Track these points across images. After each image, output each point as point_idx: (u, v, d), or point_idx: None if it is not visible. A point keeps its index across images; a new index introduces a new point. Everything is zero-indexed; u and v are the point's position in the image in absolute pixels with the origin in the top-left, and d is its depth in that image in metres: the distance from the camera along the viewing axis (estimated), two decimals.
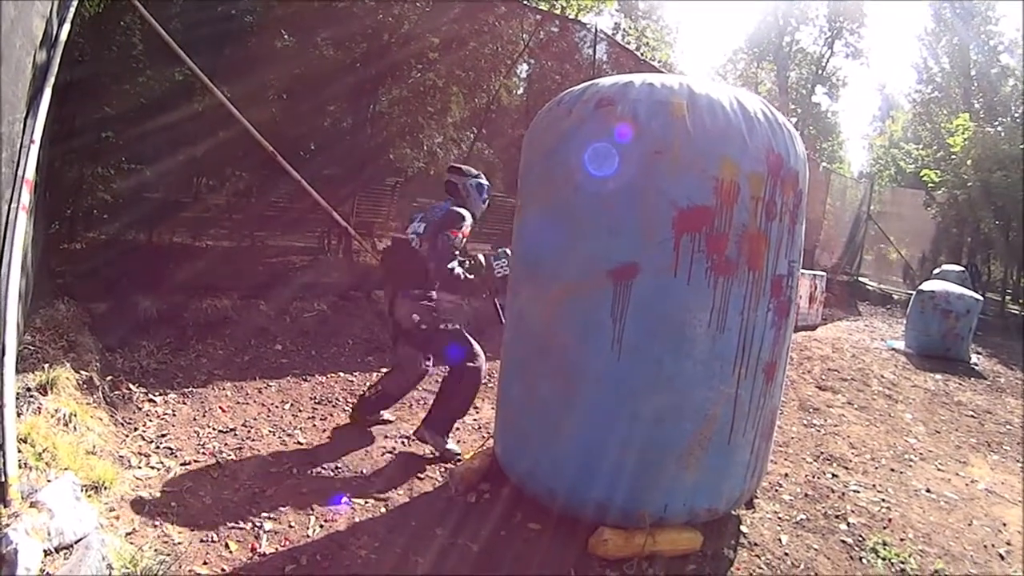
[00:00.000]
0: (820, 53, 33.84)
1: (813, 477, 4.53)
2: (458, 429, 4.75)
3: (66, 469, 2.87)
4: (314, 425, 4.58)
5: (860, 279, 19.18)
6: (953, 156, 18.46)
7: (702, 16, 62.07)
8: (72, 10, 3.46)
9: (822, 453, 5.06)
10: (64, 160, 5.36)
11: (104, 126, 5.75)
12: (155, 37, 4.96)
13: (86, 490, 2.88)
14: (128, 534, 2.88)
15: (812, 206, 15.15)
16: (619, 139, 3.00)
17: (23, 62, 2.63)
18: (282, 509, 3.40)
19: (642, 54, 17.73)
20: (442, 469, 4.08)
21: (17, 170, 2.84)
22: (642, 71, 3.97)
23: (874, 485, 4.54)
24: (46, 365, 3.63)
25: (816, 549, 3.53)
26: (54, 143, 4.64)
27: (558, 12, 11.42)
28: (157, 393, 4.64)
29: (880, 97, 44.80)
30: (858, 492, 4.37)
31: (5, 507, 2.36)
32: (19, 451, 2.72)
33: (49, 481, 2.66)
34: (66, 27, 3.37)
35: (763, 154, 3.02)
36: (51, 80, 3.15)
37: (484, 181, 4.52)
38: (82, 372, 3.95)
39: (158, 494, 3.32)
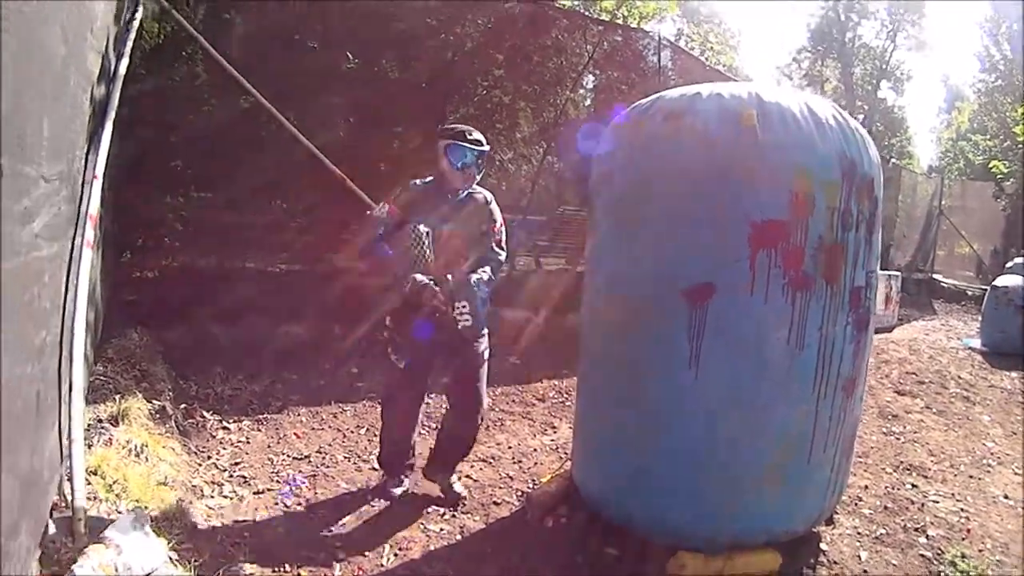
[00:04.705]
0: (883, 47, 32.50)
1: (893, 488, 4.20)
2: (535, 451, 4.52)
3: (136, 501, 2.74)
4: None
5: (934, 276, 18.12)
6: (1020, 145, 17.46)
7: (764, 17, 60.45)
8: (129, 44, 3.32)
9: (902, 462, 4.71)
10: (133, 192, 5.22)
11: (172, 156, 5.64)
12: (218, 65, 4.83)
13: (156, 522, 2.71)
14: (198, 566, 2.68)
15: (885, 204, 14.50)
16: (688, 153, 2.73)
17: (79, 99, 2.48)
18: (356, 537, 3.21)
19: (707, 59, 17.24)
20: (518, 494, 3.84)
21: (80, 206, 2.69)
22: (708, 77, 3.69)
23: (953, 494, 4.20)
24: (118, 396, 3.49)
25: (895, 565, 3.25)
26: (121, 175, 4.52)
27: (620, 22, 11.04)
28: (231, 420, 4.48)
29: (944, 88, 42.74)
30: (937, 502, 4.04)
31: (73, 541, 2.23)
32: (89, 483, 2.61)
33: (119, 513, 2.52)
34: (124, 61, 3.22)
35: (836, 161, 2.73)
36: (111, 114, 3.01)
37: (464, 143, 3.29)
38: (154, 401, 3.81)
39: (230, 524, 3.16)
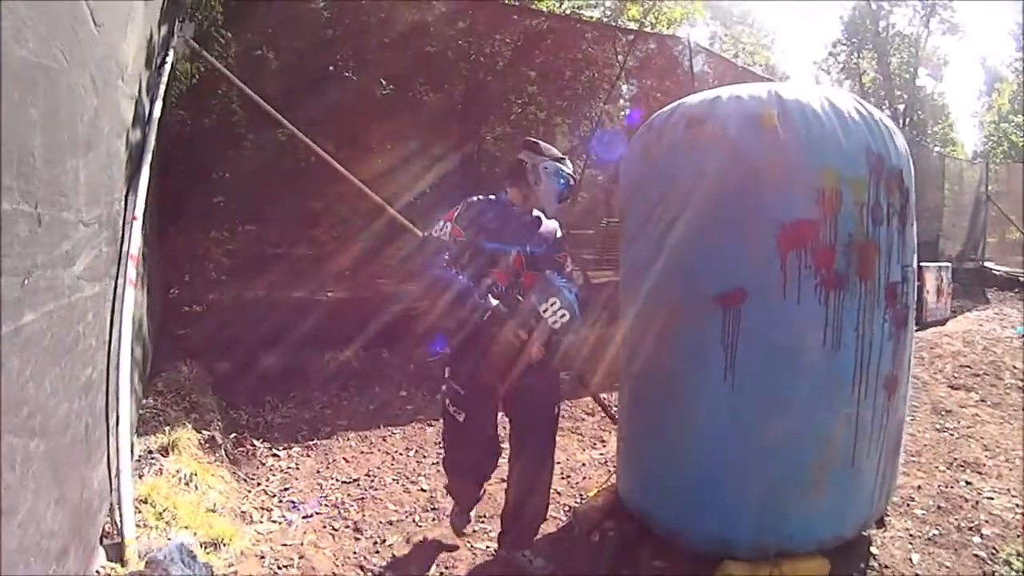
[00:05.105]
0: (917, 34, 31.58)
1: (946, 487, 4.05)
2: (584, 465, 4.47)
3: (186, 527, 2.81)
4: (438, 470, 4.26)
5: (986, 264, 17.32)
6: None
7: (798, 12, 58.92)
8: (162, 88, 3.45)
9: (955, 459, 4.53)
10: (178, 229, 5.40)
11: (214, 192, 5.79)
12: (253, 102, 4.95)
13: (205, 547, 2.79)
14: None
15: (931, 194, 14.05)
16: (711, 158, 2.73)
17: (114, 145, 2.60)
18: (403, 558, 3.23)
19: (741, 60, 16.98)
20: (566, 508, 3.81)
21: (121, 247, 2.81)
22: (743, 78, 3.67)
23: (1008, 489, 4.02)
24: (167, 427, 3.59)
25: (948, 567, 3.12)
26: (165, 214, 4.67)
27: (648, 30, 10.96)
28: (281, 447, 4.55)
29: (983, 70, 41.11)
30: (992, 499, 3.87)
31: (122, 567, 2.33)
32: (139, 512, 2.70)
33: (168, 540, 2.59)
34: (158, 104, 3.35)
35: (862, 155, 2.71)
36: (148, 157, 3.13)
37: (565, 168, 2.98)
38: (204, 432, 3.90)
39: (279, 548, 3.20)
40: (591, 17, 11.21)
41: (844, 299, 2.68)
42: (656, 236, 2.97)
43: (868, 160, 2.71)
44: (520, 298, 2.78)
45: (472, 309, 2.68)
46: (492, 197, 2.99)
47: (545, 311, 2.70)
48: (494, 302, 2.72)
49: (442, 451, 3.33)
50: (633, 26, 10.89)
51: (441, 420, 3.06)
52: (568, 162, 3.00)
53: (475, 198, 2.96)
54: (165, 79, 3.51)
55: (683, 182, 2.83)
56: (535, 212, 3.04)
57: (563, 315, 2.71)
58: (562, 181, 2.94)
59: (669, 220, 2.89)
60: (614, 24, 10.85)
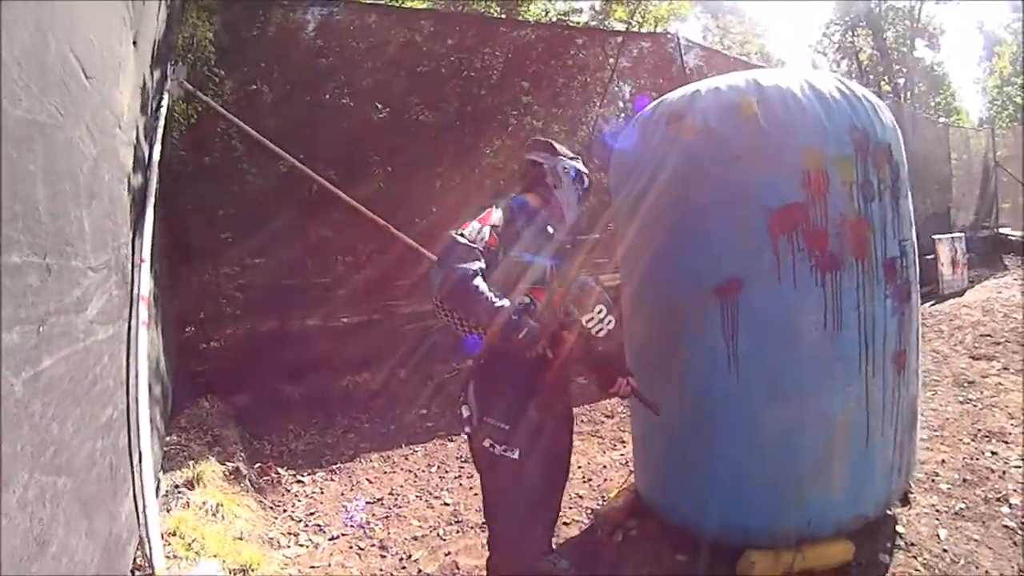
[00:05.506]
0: (911, 5, 31.22)
1: (972, 459, 4.03)
2: (605, 467, 4.49)
3: (214, 556, 2.89)
4: (460, 484, 4.40)
5: (1001, 231, 17.08)
6: None
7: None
8: (159, 131, 3.55)
9: (980, 430, 4.50)
10: (189, 268, 5.52)
11: (222, 229, 5.90)
12: (251, 138, 5.05)
13: (234, 573, 2.88)
14: None
15: (938, 166, 13.94)
16: (695, 152, 2.78)
17: (115, 191, 2.69)
18: (429, 572, 3.29)
19: (736, 52, 16.92)
20: (588, 511, 3.83)
21: (132, 289, 2.91)
22: (736, 69, 3.71)
23: None
24: (192, 461, 3.69)
25: (977, 540, 3.12)
26: (175, 254, 4.78)
27: (636, 30, 10.98)
28: (305, 473, 4.64)
29: (981, 35, 40.46)
30: (1019, 468, 3.84)
31: None
32: (168, 543, 2.79)
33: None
34: (157, 148, 3.46)
35: (846, 134, 2.73)
36: (151, 200, 3.24)
37: (582, 167, 2.74)
38: (228, 463, 4.00)
39: (307, 570, 3.28)
40: (578, 22, 11.27)
41: (841, 279, 2.70)
42: (648, 233, 3.03)
43: (852, 138, 2.73)
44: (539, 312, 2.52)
45: (511, 330, 2.34)
46: (527, 205, 2.65)
47: (590, 320, 2.51)
48: (532, 322, 2.40)
49: (492, 514, 2.71)
50: (621, 27, 10.94)
51: (481, 473, 2.64)
52: (581, 161, 2.79)
53: (513, 203, 2.62)
54: (162, 122, 3.62)
55: (668, 179, 2.87)
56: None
57: (610, 321, 2.53)
58: (584, 183, 2.74)
59: (658, 218, 2.95)
60: (602, 27, 10.89)
